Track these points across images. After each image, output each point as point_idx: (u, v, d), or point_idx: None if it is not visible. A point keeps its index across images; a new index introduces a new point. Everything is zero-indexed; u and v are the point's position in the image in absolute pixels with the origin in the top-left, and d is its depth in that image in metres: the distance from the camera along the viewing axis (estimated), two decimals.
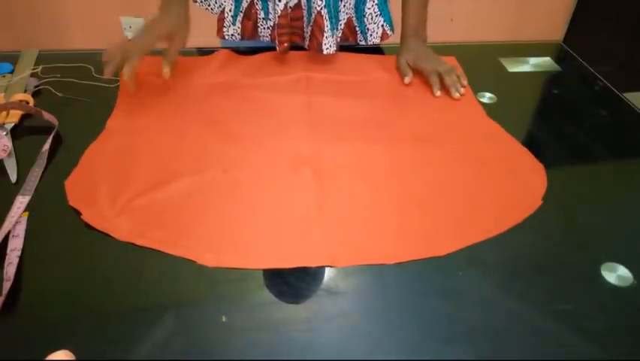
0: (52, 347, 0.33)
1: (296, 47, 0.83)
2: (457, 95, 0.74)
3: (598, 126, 0.72)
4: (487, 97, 0.77)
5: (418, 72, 0.78)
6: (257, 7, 0.80)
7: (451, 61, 0.84)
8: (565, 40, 1.17)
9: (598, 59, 0.91)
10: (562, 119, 0.73)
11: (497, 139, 0.68)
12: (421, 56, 0.79)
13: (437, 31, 1.91)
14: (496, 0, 1.81)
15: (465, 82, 0.78)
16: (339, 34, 0.82)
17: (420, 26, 0.82)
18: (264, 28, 0.82)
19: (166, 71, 0.68)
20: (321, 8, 0.76)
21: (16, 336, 0.42)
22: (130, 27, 1.73)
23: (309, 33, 0.79)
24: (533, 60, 0.87)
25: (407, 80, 0.77)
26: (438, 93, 0.74)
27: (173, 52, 0.69)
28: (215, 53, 0.81)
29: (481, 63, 0.86)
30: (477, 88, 0.78)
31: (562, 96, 0.79)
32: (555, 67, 0.86)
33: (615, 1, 1.84)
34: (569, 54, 0.91)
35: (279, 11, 0.76)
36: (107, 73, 0.65)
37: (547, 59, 0.88)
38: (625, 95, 0.79)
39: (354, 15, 0.82)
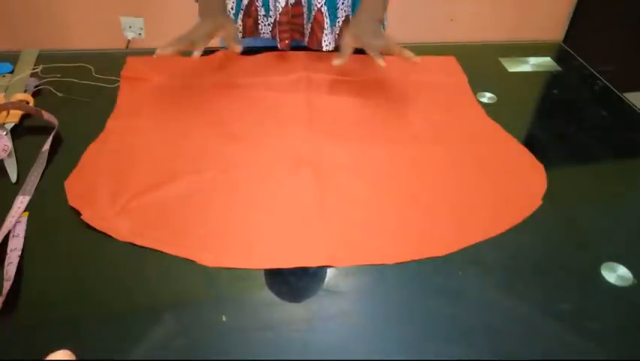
0: (52, 347, 0.33)
1: (296, 45, 0.83)
2: (409, 53, 0.67)
3: (598, 126, 0.72)
4: (487, 97, 0.77)
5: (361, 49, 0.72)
6: (257, 4, 0.80)
7: (450, 61, 0.84)
8: (565, 40, 1.17)
9: (598, 59, 0.91)
10: (562, 119, 0.73)
11: (497, 139, 0.68)
12: (369, 32, 0.72)
13: (437, 31, 1.91)
14: (497, 0, 1.81)
15: (417, 59, 0.68)
16: (337, 32, 0.82)
17: (377, 6, 0.76)
18: (265, 25, 0.82)
19: (239, 48, 0.74)
20: (322, 5, 0.76)
21: (16, 336, 0.42)
22: (130, 27, 1.73)
23: (309, 30, 0.80)
24: (533, 60, 0.87)
25: (337, 62, 0.71)
26: (383, 63, 0.67)
27: (232, 37, 0.74)
28: (215, 52, 0.81)
29: (481, 63, 0.86)
30: (477, 88, 0.78)
31: (562, 96, 0.79)
32: (555, 67, 0.86)
33: (615, 1, 1.84)
34: (569, 54, 0.91)
35: (281, 8, 0.76)
36: (161, 53, 0.66)
37: (548, 59, 0.88)
38: (625, 95, 0.79)
39: (351, 13, 0.82)
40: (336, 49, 0.82)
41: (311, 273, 0.49)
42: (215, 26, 0.73)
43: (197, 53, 0.68)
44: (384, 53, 0.70)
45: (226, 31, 0.74)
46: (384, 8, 0.79)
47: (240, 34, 0.83)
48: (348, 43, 0.73)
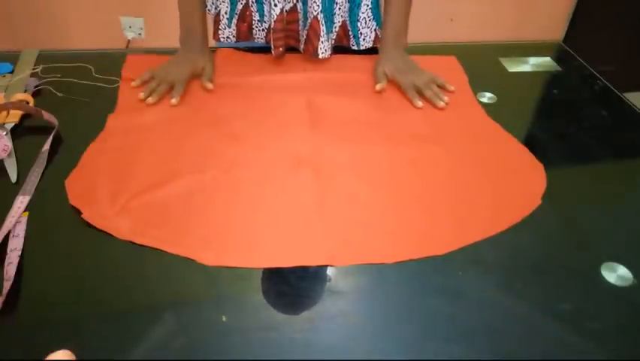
0: (52, 347, 0.33)
1: (291, 50, 0.83)
2: (441, 104, 0.72)
3: (598, 126, 0.72)
4: (487, 97, 0.77)
5: (395, 84, 0.76)
6: (252, 9, 0.80)
7: (451, 61, 0.84)
8: (565, 40, 1.17)
9: (598, 59, 0.91)
10: (562, 119, 0.73)
11: (497, 139, 0.68)
12: (400, 67, 0.77)
13: (437, 31, 1.91)
14: (497, 0, 1.81)
15: (451, 87, 0.76)
16: (334, 37, 0.82)
17: (401, 33, 0.80)
18: (259, 30, 0.82)
19: (210, 85, 0.74)
20: (318, 13, 0.76)
21: (16, 336, 0.42)
22: (130, 27, 1.73)
23: (305, 37, 0.79)
24: (533, 60, 0.87)
25: (379, 87, 0.75)
26: (420, 104, 0.72)
27: (208, 74, 0.76)
28: (216, 52, 0.81)
29: (481, 63, 0.86)
30: (477, 88, 0.78)
31: (562, 96, 0.79)
32: (555, 67, 0.86)
33: (615, 1, 1.84)
34: (569, 54, 0.91)
35: (275, 16, 0.76)
36: (146, 98, 0.70)
37: (547, 59, 0.88)
38: (625, 95, 0.79)
39: (348, 19, 0.82)
40: (334, 52, 0.82)
41: (311, 273, 0.49)
42: (194, 71, 0.75)
43: (174, 101, 0.70)
44: (418, 91, 0.74)
45: (204, 73, 0.76)
46: (406, 29, 0.81)
47: (235, 39, 0.83)
48: (382, 74, 0.77)
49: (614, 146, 0.68)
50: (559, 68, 0.86)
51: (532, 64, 0.86)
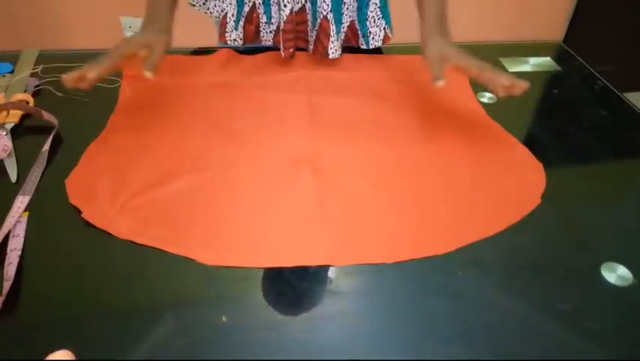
0: (52, 347, 0.33)
1: (297, 50, 0.83)
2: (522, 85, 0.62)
3: (598, 126, 0.72)
4: (487, 97, 0.77)
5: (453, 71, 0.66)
6: (259, 11, 0.79)
7: None
8: (565, 40, 1.17)
9: (598, 59, 0.91)
10: (562, 119, 0.73)
11: (497, 138, 0.68)
12: (454, 53, 0.67)
13: None
14: (497, 0, 1.81)
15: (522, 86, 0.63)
16: (342, 37, 0.82)
17: (444, 21, 0.69)
18: (267, 32, 0.81)
19: (147, 74, 0.64)
20: (327, 12, 0.76)
21: (16, 336, 0.42)
22: (130, 27, 1.73)
23: (314, 37, 0.79)
24: (533, 60, 0.87)
25: (441, 83, 0.63)
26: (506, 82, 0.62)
27: (152, 60, 0.65)
28: (216, 52, 0.81)
29: None
30: (477, 88, 0.78)
31: (562, 96, 0.79)
32: (555, 67, 0.86)
33: (615, 1, 1.84)
34: (569, 54, 0.91)
35: (285, 17, 0.75)
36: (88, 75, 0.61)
37: (548, 59, 0.88)
38: (625, 95, 0.79)
39: (356, 18, 0.82)
40: (343, 51, 0.81)
41: (311, 273, 0.49)
42: (148, 41, 0.67)
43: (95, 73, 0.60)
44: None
45: (155, 51, 0.66)
46: (447, 18, 0.71)
47: (242, 42, 0.83)
48: (437, 65, 0.66)
49: (614, 146, 0.68)
50: (559, 68, 0.86)
51: (532, 64, 0.86)
